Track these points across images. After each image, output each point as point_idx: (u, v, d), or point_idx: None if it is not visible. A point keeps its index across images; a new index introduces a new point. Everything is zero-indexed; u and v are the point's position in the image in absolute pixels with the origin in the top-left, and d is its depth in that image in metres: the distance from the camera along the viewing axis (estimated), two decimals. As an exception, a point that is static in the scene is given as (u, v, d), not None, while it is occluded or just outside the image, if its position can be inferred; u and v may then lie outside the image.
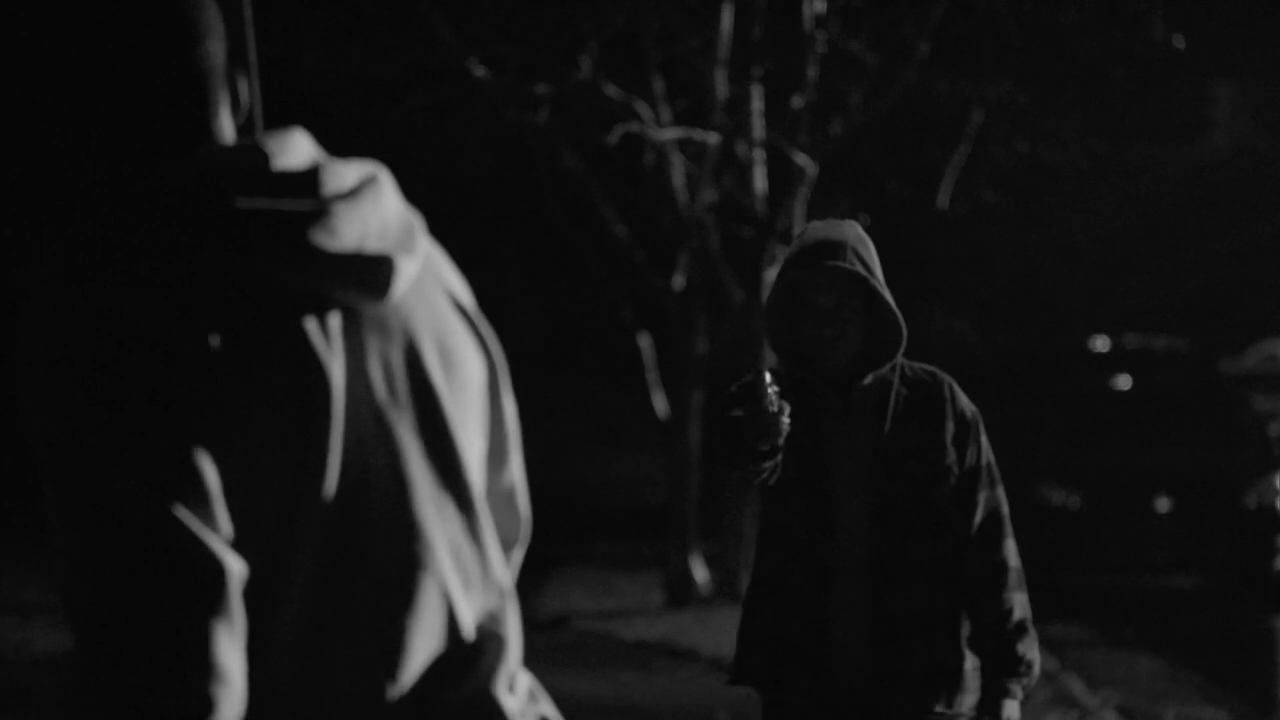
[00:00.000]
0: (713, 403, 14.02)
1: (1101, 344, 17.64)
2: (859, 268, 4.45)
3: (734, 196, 15.28)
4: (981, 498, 4.53)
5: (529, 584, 16.28)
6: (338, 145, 2.26)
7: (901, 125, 16.58)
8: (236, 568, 1.80)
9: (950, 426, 4.52)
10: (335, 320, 1.79)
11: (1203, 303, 24.60)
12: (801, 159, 14.32)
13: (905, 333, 4.48)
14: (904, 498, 4.48)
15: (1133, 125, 19.93)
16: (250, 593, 1.82)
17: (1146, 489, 15.66)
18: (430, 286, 1.89)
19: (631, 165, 15.93)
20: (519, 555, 2.03)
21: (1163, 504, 15.60)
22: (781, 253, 14.11)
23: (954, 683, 4.51)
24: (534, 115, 14.66)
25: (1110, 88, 16.66)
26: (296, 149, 1.83)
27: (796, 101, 14.64)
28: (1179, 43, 14.99)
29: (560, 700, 3.00)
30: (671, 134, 14.81)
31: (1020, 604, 4.52)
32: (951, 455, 4.51)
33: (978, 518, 4.52)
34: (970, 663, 4.53)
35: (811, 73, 14.54)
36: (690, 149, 15.24)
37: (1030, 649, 4.51)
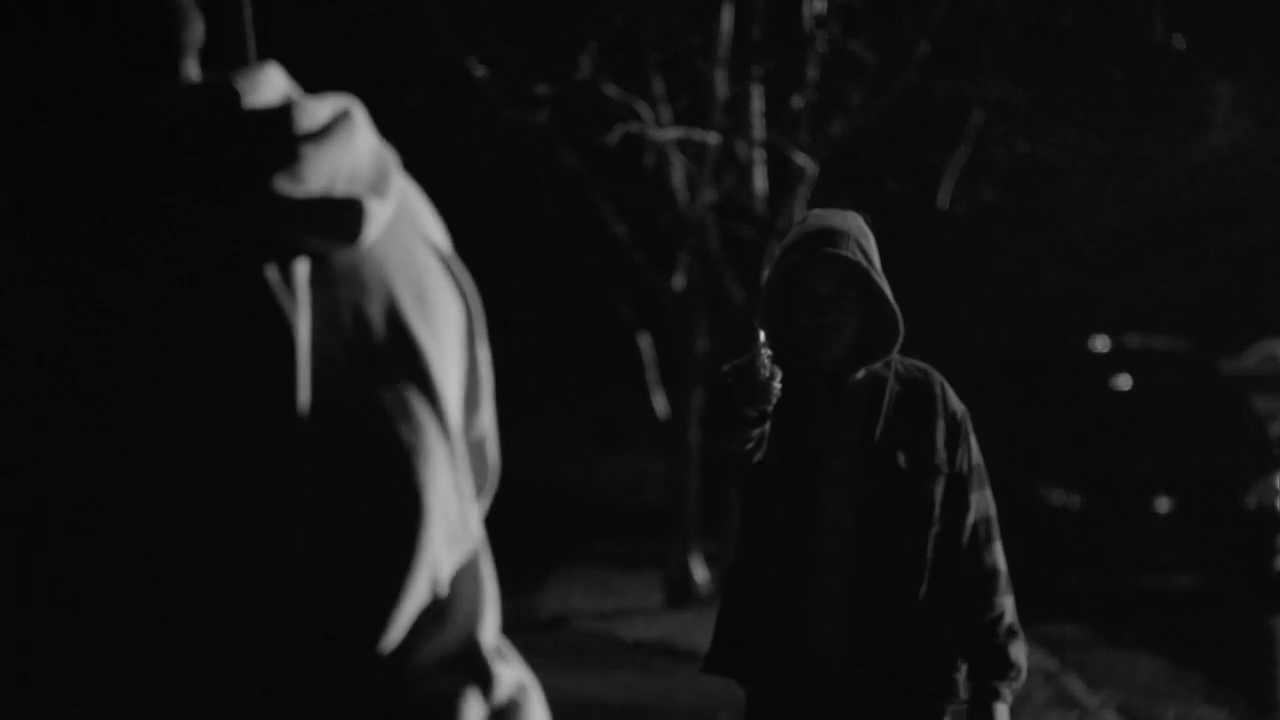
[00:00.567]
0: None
1: (1101, 344, 17.61)
2: (859, 258, 4.37)
3: (734, 196, 15.27)
4: (973, 499, 4.49)
5: (529, 584, 16.27)
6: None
7: (901, 125, 16.55)
8: None
9: (941, 425, 4.47)
10: (302, 268, 1.70)
11: (1203, 303, 24.58)
12: (801, 159, 14.32)
13: (902, 328, 4.43)
14: (890, 494, 4.42)
15: (1133, 125, 19.90)
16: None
17: (1146, 489, 15.64)
18: (405, 229, 1.79)
19: (631, 165, 15.91)
20: (485, 503, 1.98)
21: (1163, 504, 15.58)
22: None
23: (932, 680, 4.46)
24: (534, 115, 14.66)
25: (1110, 88, 16.66)
26: (268, 85, 1.72)
27: (796, 101, 14.64)
28: (1179, 43, 15.01)
29: (560, 700, 3.00)
30: (671, 134, 14.81)
31: (1010, 608, 4.49)
32: (941, 455, 4.46)
33: (969, 520, 4.48)
34: (951, 661, 4.49)
35: (811, 73, 14.54)
36: (690, 149, 15.23)
37: (1020, 653, 4.49)
